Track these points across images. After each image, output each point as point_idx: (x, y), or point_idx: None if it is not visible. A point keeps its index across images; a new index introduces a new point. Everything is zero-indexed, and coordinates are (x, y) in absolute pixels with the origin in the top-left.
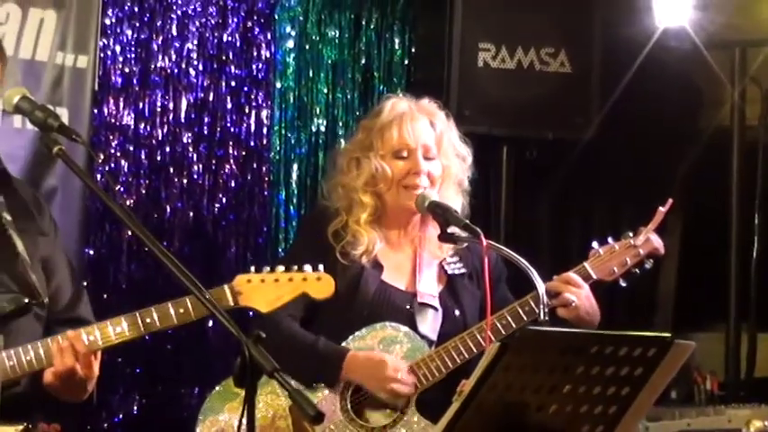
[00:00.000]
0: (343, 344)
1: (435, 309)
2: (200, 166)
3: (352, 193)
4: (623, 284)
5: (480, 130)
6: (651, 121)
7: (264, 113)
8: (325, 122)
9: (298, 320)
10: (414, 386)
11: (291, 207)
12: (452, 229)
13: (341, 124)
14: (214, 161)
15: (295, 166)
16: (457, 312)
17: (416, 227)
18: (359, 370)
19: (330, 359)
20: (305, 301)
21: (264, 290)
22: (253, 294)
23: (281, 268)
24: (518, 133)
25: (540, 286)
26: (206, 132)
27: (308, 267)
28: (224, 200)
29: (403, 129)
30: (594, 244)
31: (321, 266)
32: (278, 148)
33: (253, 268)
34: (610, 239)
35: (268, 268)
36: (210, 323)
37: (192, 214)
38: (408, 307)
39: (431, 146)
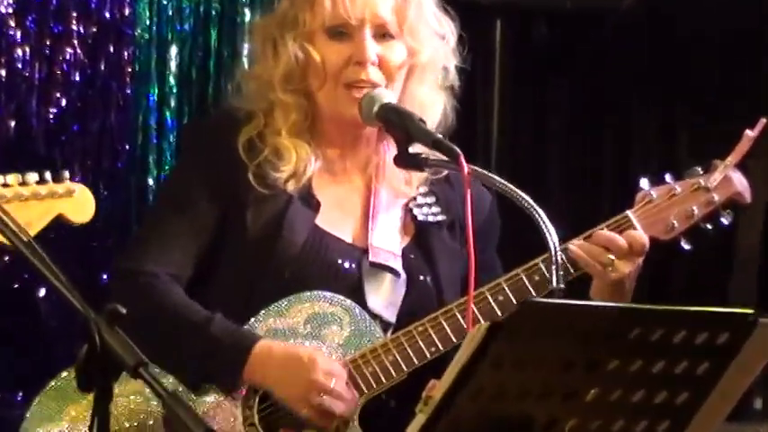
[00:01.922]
0: (252, 321)
1: (396, 273)
2: (28, 48)
3: (269, 91)
4: (686, 247)
5: None
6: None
7: None
8: None
9: (183, 283)
10: (353, 401)
11: (168, 113)
12: (416, 148)
13: None
14: (48, 41)
15: (173, 50)
16: (428, 279)
17: (370, 147)
18: (271, 371)
19: (229, 350)
20: (188, 246)
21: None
22: None
23: (18, 177)
24: (517, 4)
25: (552, 238)
26: None
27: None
28: (63, 102)
29: None
30: (643, 182)
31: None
32: (147, 23)
33: None
34: (667, 176)
35: (10, 177)
36: (42, 291)
37: (13, 124)
38: (354, 267)
39: (386, 18)
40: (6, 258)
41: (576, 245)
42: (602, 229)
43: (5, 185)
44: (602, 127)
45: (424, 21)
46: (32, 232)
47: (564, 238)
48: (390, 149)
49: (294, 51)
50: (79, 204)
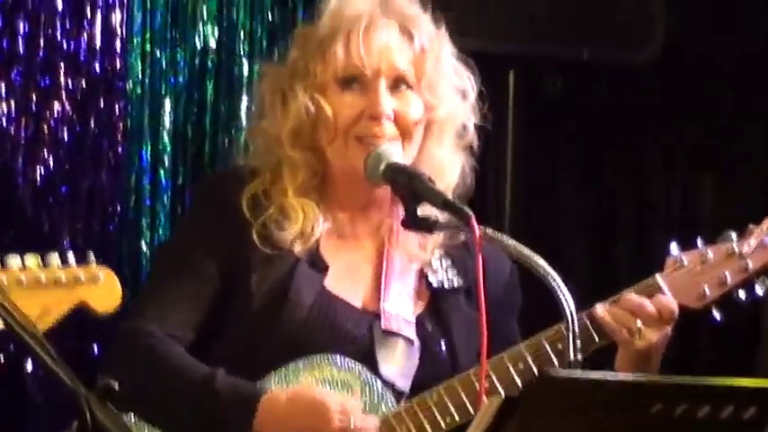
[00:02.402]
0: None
1: (409, 340)
2: (13, 104)
3: (276, 147)
4: (718, 317)
5: (473, 46)
6: (754, 35)
7: (116, 17)
8: (216, 32)
9: (186, 345)
10: (375, 429)
11: (162, 173)
12: (425, 210)
13: (242, 35)
14: (34, 96)
15: (167, 105)
16: (443, 347)
17: (383, 210)
18: (284, 419)
19: (235, 403)
20: (191, 309)
21: (23, 297)
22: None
23: (38, 258)
24: (533, 51)
25: (569, 308)
26: (21, 49)
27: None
28: (50, 161)
29: (352, 42)
30: (673, 247)
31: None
32: (139, 76)
33: None
34: (699, 241)
35: (30, 260)
36: (29, 365)
37: None
38: (365, 334)
39: (403, 69)
40: None
41: (602, 309)
42: (629, 293)
43: (23, 268)
44: (621, 191)
45: (444, 74)
46: (50, 320)
47: (581, 300)
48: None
49: (304, 103)
50: (104, 292)
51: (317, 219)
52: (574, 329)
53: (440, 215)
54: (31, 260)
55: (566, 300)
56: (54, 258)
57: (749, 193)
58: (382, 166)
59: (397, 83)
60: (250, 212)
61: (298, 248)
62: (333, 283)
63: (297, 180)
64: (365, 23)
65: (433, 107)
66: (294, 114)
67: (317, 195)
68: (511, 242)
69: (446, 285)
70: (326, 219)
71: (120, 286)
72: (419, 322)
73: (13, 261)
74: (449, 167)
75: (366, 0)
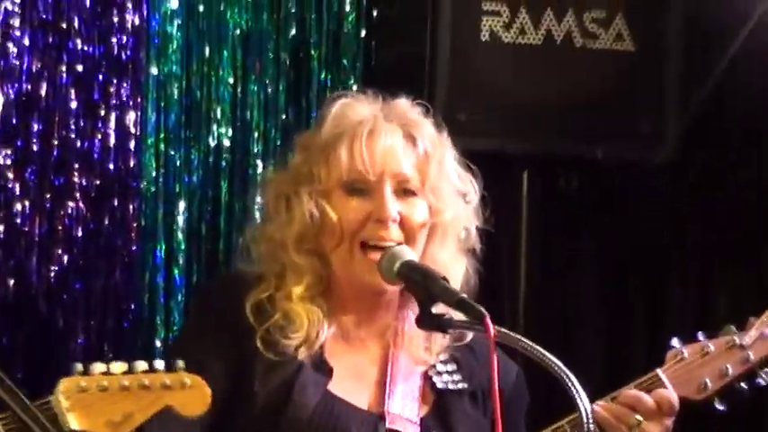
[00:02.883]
0: None
1: None
2: (27, 202)
3: (281, 252)
4: (720, 408)
5: (484, 146)
6: (760, 134)
7: (131, 117)
8: (230, 132)
9: None
10: None
11: (177, 271)
12: (439, 309)
13: (256, 135)
14: (48, 195)
15: (182, 205)
16: None
17: (390, 313)
18: None
19: None
20: (194, 420)
21: (107, 403)
22: (89, 411)
23: (124, 366)
24: (547, 150)
25: (585, 406)
26: (35, 147)
27: (161, 365)
28: (64, 258)
29: (356, 147)
30: (674, 341)
31: (220, 368)
32: (153, 174)
33: (80, 366)
34: (700, 335)
35: (115, 366)
36: None
37: (12, 282)
38: None
39: (407, 174)
40: None
41: (600, 406)
42: (630, 388)
43: (106, 373)
44: (632, 286)
45: (447, 178)
46: (134, 424)
47: (595, 396)
48: (411, 315)
49: (309, 208)
50: (192, 397)
51: (321, 324)
52: (589, 429)
53: (454, 315)
54: (116, 366)
55: (581, 401)
56: (140, 365)
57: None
58: (397, 265)
59: (402, 187)
60: (254, 319)
61: (302, 354)
62: (337, 385)
63: (301, 285)
64: (368, 128)
65: (438, 211)
66: (299, 219)
67: (321, 300)
68: (525, 341)
69: (451, 387)
70: (331, 323)
71: (209, 392)
72: (424, 424)
73: (98, 367)
74: (453, 270)
75: (369, 106)
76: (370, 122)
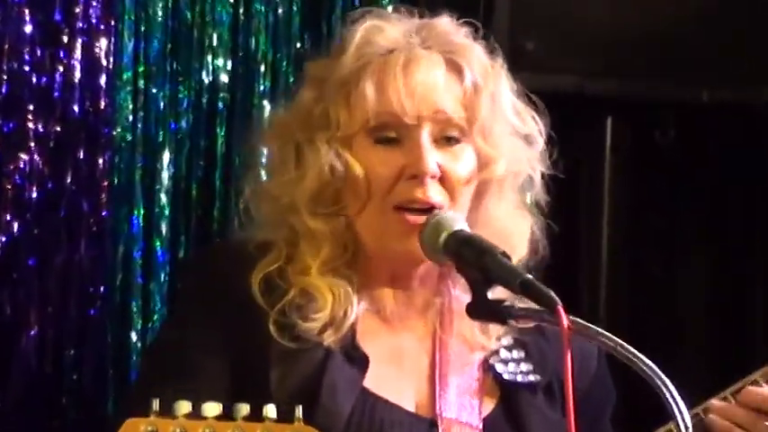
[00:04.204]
0: None
1: None
2: None
3: (291, 215)
4: None
5: (558, 85)
6: None
7: (101, 45)
8: (229, 64)
9: None
10: None
11: (158, 243)
12: (497, 293)
13: (263, 69)
14: None
15: (166, 156)
16: None
17: (429, 284)
18: None
19: None
20: None
21: None
22: None
23: (217, 409)
24: (636, 91)
25: (683, 417)
26: None
27: (271, 410)
28: (14, 226)
29: (387, 83)
30: None
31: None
32: (130, 119)
33: (156, 405)
34: None
35: (207, 408)
36: None
37: None
38: None
39: (452, 114)
40: None
41: (716, 407)
42: (754, 382)
43: (193, 416)
44: (748, 263)
45: (502, 117)
46: None
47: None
48: (456, 290)
49: (328, 161)
50: None
51: (350, 300)
52: None
53: (516, 300)
54: (209, 408)
55: (679, 410)
56: (241, 409)
57: None
58: (443, 237)
59: (444, 131)
60: (264, 299)
61: (328, 339)
62: (375, 381)
63: (320, 255)
64: (402, 58)
65: (489, 159)
66: (314, 175)
67: (348, 271)
68: (609, 337)
69: (520, 379)
70: (361, 298)
71: None
72: (488, 426)
73: (182, 407)
74: (514, 234)
75: (401, 27)
76: (403, 50)
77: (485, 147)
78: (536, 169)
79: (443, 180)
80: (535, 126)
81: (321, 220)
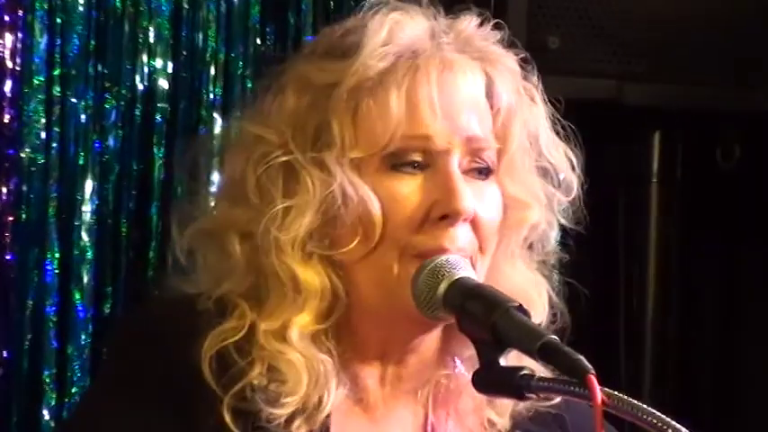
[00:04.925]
0: None
1: None
2: None
3: (267, 258)
4: None
5: (589, 91)
6: None
7: (7, 41)
8: (170, 66)
9: None
10: None
11: (78, 295)
12: (510, 358)
13: (213, 72)
14: None
15: (88, 186)
16: None
17: (427, 355)
18: None
19: None
20: None
21: None
22: None
23: None
24: (692, 99)
25: None
26: None
27: None
28: None
29: (424, 96)
30: None
31: None
32: (42, 136)
33: None
34: None
35: None
36: None
37: None
38: None
39: (485, 141)
40: None
41: None
42: None
43: None
44: None
45: (535, 151)
46: None
47: None
48: (460, 365)
49: (341, 187)
50: None
51: (328, 383)
52: None
53: (535, 368)
54: None
55: None
56: None
57: None
58: (443, 286)
59: (473, 162)
60: (214, 378)
61: (298, 430)
62: None
63: (304, 315)
64: (438, 62)
65: (517, 203)
66: (317, 204)
67: (329, 342)
68: (654, 414)
69: None
70: (341, 380)
71: None
72: None
73: None
74: (533, 297)
75: (426, 23)
76: (436, 52)
77: (513, 187)
78: (554, 221)
79: (473, 224)
80: (569, 166)
81: (312, 267)
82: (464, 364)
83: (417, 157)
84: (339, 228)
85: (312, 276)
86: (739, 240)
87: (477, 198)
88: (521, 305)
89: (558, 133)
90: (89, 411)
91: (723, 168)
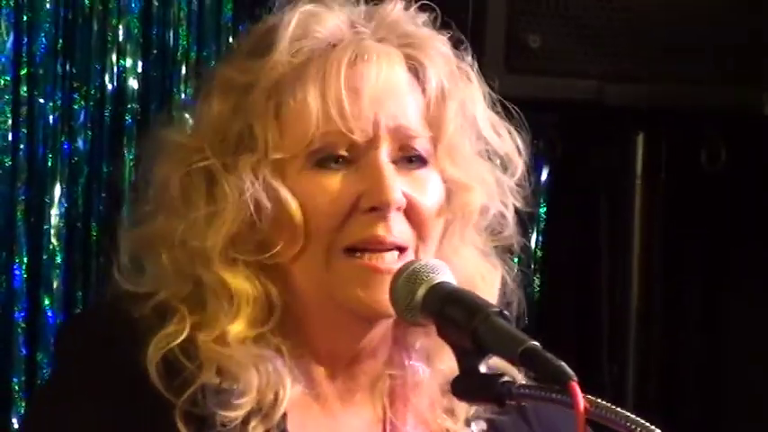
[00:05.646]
0: None
1: None
2: None
3: (197, 266)
4: None
5: (571, 91)
6: None
7: None
8: (140, 65)
9: None
10: None
11: (47, 300)
12: (494, 365)
13: (184, 71)
14: None
15: (57, 190)
16: None
17: (381, 353)
18: None
19: None
20: None
21: None
22: None
23: None
24: (676, 99)
25: None
26: None
27: None
28: None
29: (333, 86)
30: None
31: None
32: (9, 138)
33: None
34: None
35: None
36: None
37: None
38: None
39: (415, 130)
40: None
41: None
42: None
43: None
44: None
45: (474, 133)
46: None
47: None
48: (413, 359)
49: (254, 194)
50: None
51: (280, 379)
52: None
53: (515, 375)
54: None
55: None
56: None
57: None
58: (421, 291)
59: (405, 151)
60: (163, 383)
61: (255, 431)
62: None
63: (238, 323)
64: (350, 53)
65: (459, 187)
66: (233, 212)
67: (275, 339)
68: (639, 423)
69: None
70: (295, 378)
71: None
72: None
73: None
74: (477, 283)
75: (344, 14)
76: (351, 43)
77: (454, 171)
78: (508, 202)
79: (408, 213)
80: (512, 145)
81: (240, 273)
82: (417, 355)
83: (342, 152)
84: (261, 232)
85: (242, 283)
86: (723, 241)
87: (410, 187)
88: (501, 310)
89: (498, 114)
90: (34, 420)
91: (708, 170)
